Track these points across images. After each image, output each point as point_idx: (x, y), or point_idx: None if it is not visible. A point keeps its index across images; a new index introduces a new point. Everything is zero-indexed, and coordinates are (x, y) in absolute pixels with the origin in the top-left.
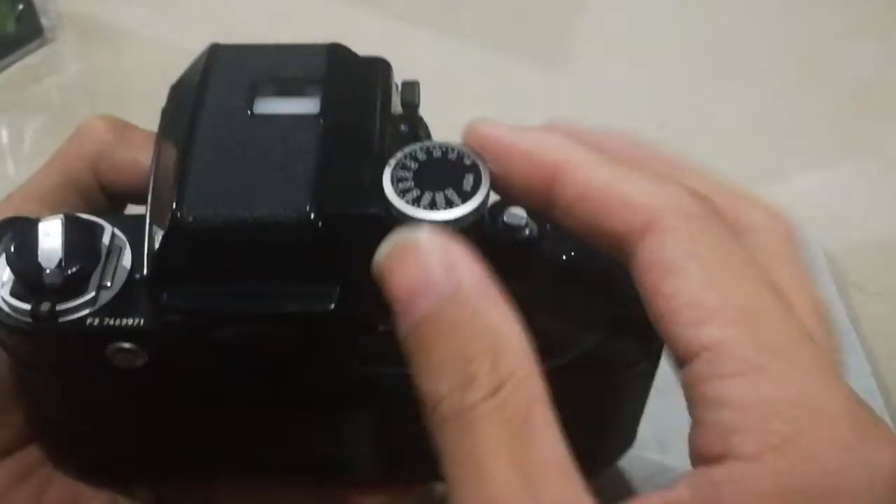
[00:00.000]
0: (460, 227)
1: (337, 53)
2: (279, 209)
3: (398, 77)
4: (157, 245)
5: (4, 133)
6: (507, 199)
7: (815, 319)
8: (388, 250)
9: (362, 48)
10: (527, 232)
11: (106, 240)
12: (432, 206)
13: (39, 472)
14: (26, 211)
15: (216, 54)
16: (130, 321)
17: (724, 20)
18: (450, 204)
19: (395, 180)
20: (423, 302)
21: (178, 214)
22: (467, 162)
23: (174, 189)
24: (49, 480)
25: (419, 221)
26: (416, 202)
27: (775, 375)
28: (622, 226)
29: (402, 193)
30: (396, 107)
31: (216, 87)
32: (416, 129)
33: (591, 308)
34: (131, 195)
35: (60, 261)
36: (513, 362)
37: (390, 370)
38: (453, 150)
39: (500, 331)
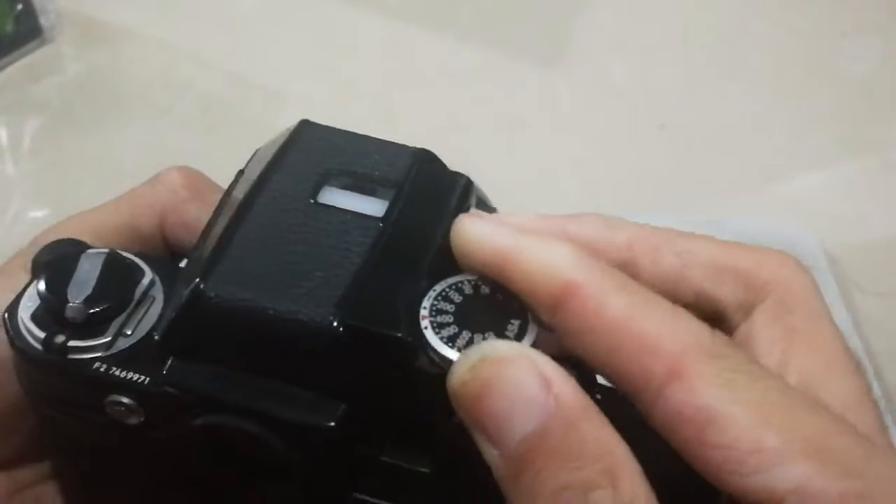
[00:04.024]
0: None
1: (423, 160)
2: (303, 308)
3: (395, 76)
4: (176, 309)
5: (4, 133)
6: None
7: (855, 384)
8: (470, 364)
9: (363, 48)
10: None
11: (143, 285)
12: (468, 348)
13: (31, 492)
14: (81, 239)
15: (303, 131)
16: (135, 377)
17: (724, 20)
18: None
19: (435, 312)
20: (521, 424)
21: (201, 286)
22: (516, 306)
23: (207, 259)
24: (39, 501)
25: (449, 361)
26: (450, 341)
27: (873, 498)
28: (640, 371)
29: (437, 328)
30: None
31: (290, 165)
32: None
33: None
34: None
35: (87, 297)
36: (633, 485)
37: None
38: (504, 289)
39: (613, 451)
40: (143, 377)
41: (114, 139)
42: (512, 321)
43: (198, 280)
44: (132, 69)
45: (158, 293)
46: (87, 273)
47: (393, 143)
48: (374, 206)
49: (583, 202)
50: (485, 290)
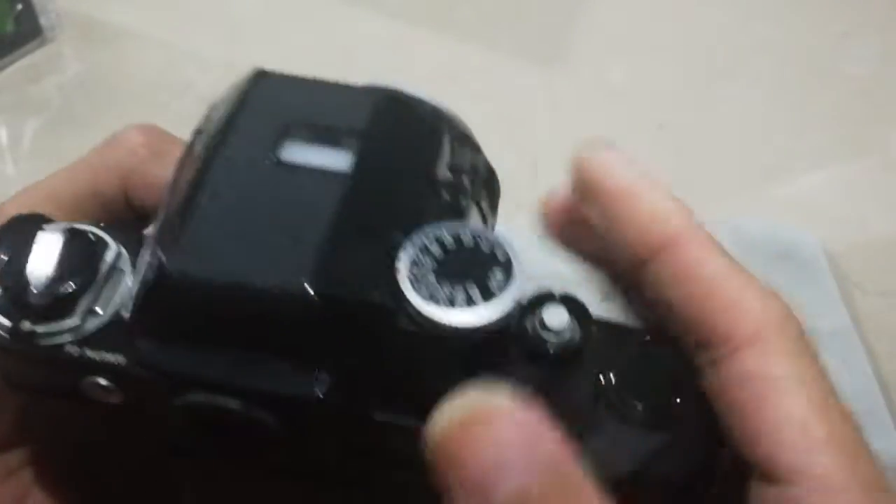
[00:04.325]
0: (484, 334)
1: (387, 99)
2: (275, 278)
3: (395, 76)
4: (142, 289)
5: (4, 133)
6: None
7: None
8: (453, 415)
9: (363, 48)
10: (567, 337)
11: (108, 260)
12: (451, 302)
13: (20, 476)
14: (41, 210)
15: (258, 81)
16: (110, 357)
17: (724, 20)
18: (471, 302)
19: (413, 266)
20: (505, 483)
21: (166, 264)
22: (500, 256)
23: (169, 233)
24: (30, 487)
25: (437, 324)
26: (432, 297)
27: None
28: (724, 327)
29: (416, 283)
30: (446, 167)
31: (247, 120)
32: (458, 198)
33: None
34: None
35: (50, 280)
36: None
37: (381, 462)
38: (487, 239)
39: None
40: (117, 357)
41: None
42: (495, 269)
43: (161, 258)
44: (132, 69)
45: (126, 265)
46: (46, 255)
47: (355, 86)
48: (339, 159)
49: None
50: (466, 239)
